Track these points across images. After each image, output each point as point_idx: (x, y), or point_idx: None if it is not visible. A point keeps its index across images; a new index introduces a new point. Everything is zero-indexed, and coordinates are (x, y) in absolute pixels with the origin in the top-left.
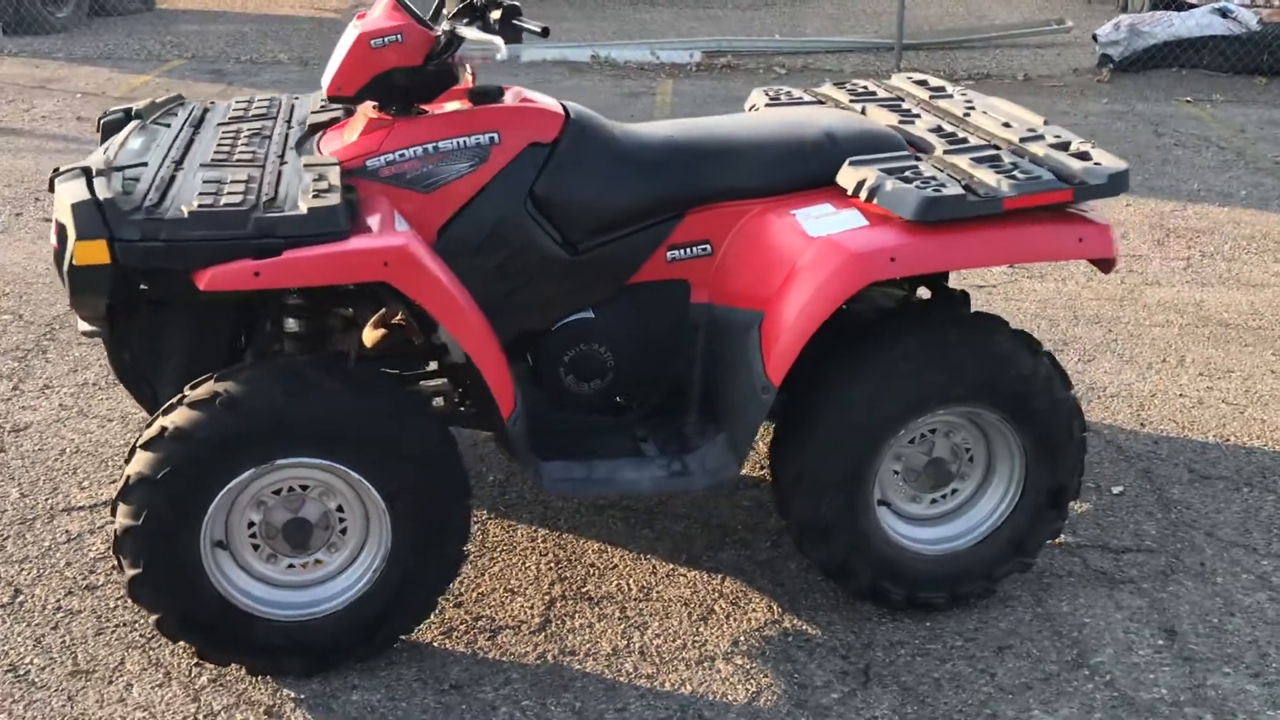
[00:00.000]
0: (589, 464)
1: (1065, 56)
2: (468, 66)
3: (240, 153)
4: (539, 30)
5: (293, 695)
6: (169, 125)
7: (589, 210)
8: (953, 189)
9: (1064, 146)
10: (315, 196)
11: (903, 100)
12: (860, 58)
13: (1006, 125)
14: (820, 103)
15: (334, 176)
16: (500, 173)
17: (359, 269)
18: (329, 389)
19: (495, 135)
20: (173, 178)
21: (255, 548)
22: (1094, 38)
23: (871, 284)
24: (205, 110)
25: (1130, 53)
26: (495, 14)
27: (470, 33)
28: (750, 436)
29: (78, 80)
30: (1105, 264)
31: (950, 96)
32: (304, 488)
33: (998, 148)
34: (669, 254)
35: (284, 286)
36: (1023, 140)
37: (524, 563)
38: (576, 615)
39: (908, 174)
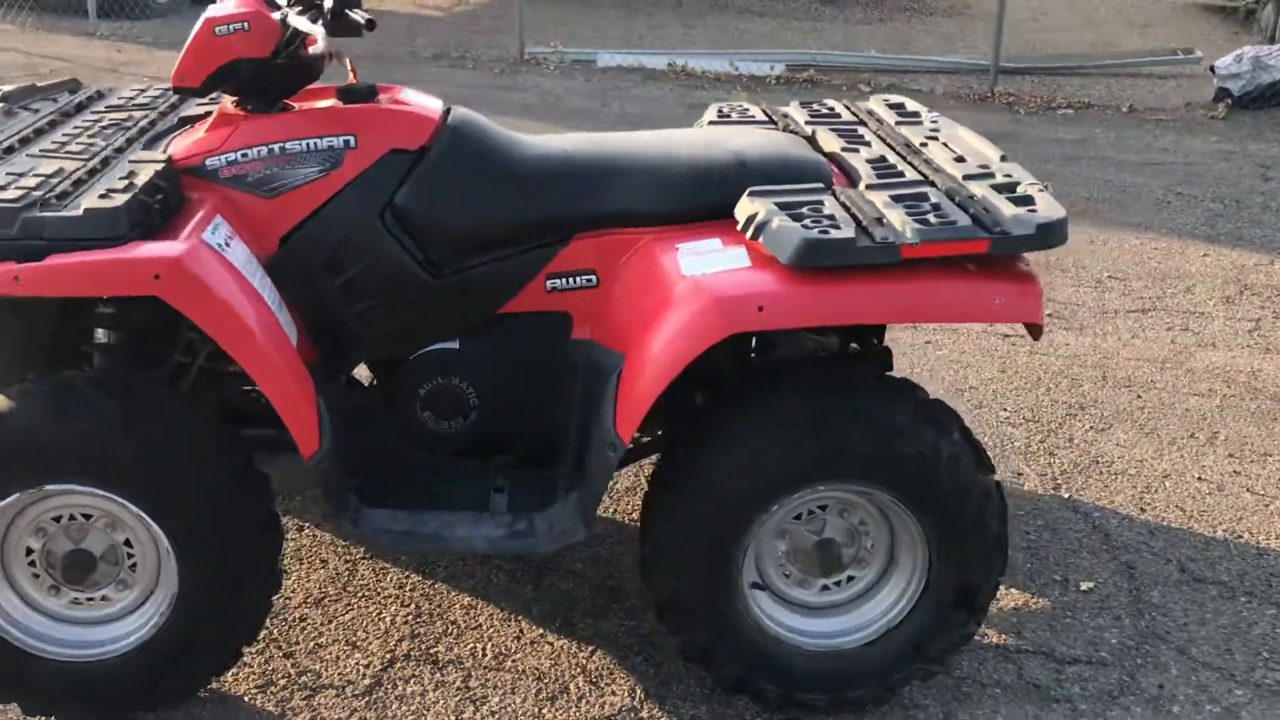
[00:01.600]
0: (419, 515)
1: (1184, 89)
2: (348, 62)
3: (78, 144)
4: (364, 21)
5: None
6: (37, 110)
7: (457, 228)
8: (844, 231)
9: (1009, 188)
10: (101, 197)
11: (862, 124)
12: (953, 79)
13: (959, 159)
14: (771, 123)
15: (144, 175)
16: (354, 180)
17: (125, 281)
18: (101, 410)
19: (351, 138)
20: None
21: (36, 577)
22: (1211, 70)
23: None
24: (94, 96)
25: (1252, 87)
26: (328, 3)
27: (298, 22)
28: (595, 500)
29: (152, 65)
30: (1033, 329)
31: (918, 123)
32: (87, 516)
33: (931, 184)
34: (549, 283)
35: (45, 294)
36: (966, 177)
37: (380, 612)
38: (413, 680)
39: (804, 210)
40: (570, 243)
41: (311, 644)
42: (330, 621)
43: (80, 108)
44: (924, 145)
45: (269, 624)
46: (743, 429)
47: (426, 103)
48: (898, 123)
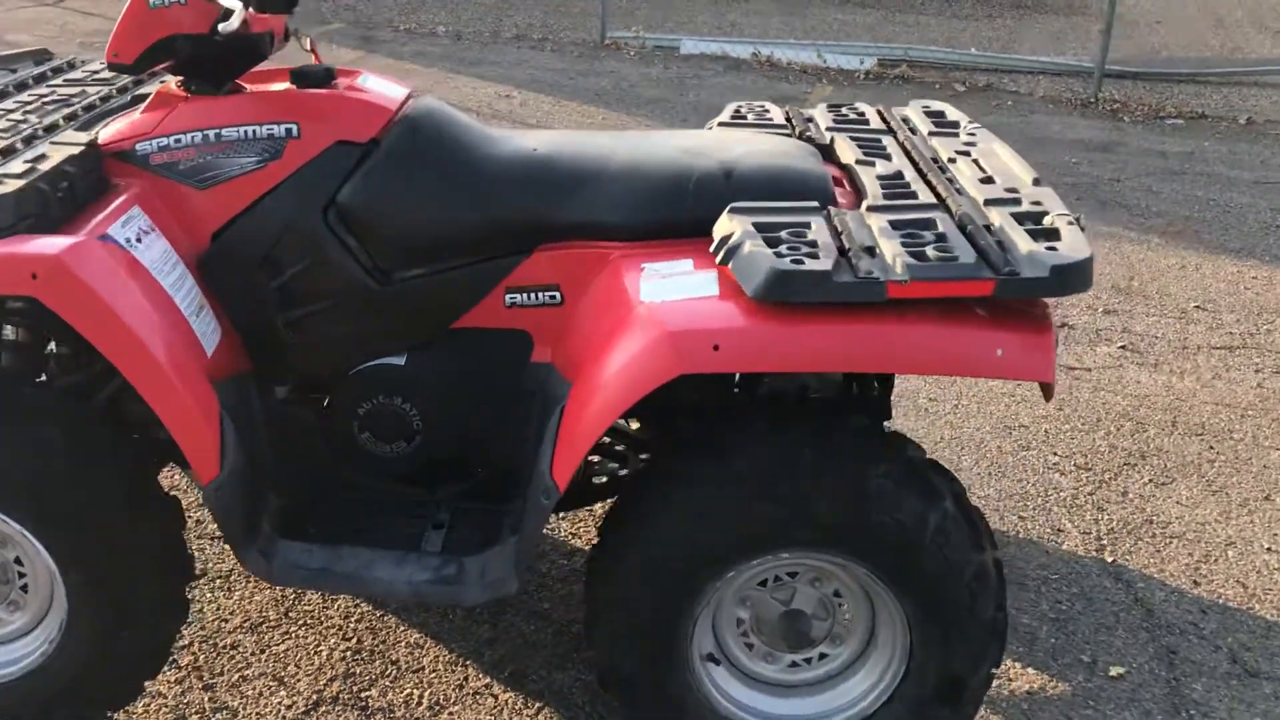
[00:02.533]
0: (337, 551)
1: None
2: (306, 41)
3: (7, 121)
4: None
5: None
6: None
7: (405, 231)
8: (821, 262)
9: (1034, 218)
10: None
11: (890, 134)
12: (1055, 82)
13: (986, 180)
14: (782, 127)
15: (54, 160)
16: (295, 173)
17: (0, 279)
18: None
19: (293, 127)
20: None
21: None
22: None
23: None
24: (61, 68)
25: None
26: None
27: None
28: (530, 549)
29: None
30: (1045, 389)
31: (953, 135)
32: None
33: (944, 209)
34: (509, 297)
35: None
36: (989, 202)
37: (318, 645)
38: None
39: (783, 234)
40: (533, 254)
41: (237, 675)
42: (263, 652)
43: (39, 79)
44: (952, 161)
45: (198, 648)
46: (692, 480)
47: (386, 91)
48: (930, 133)
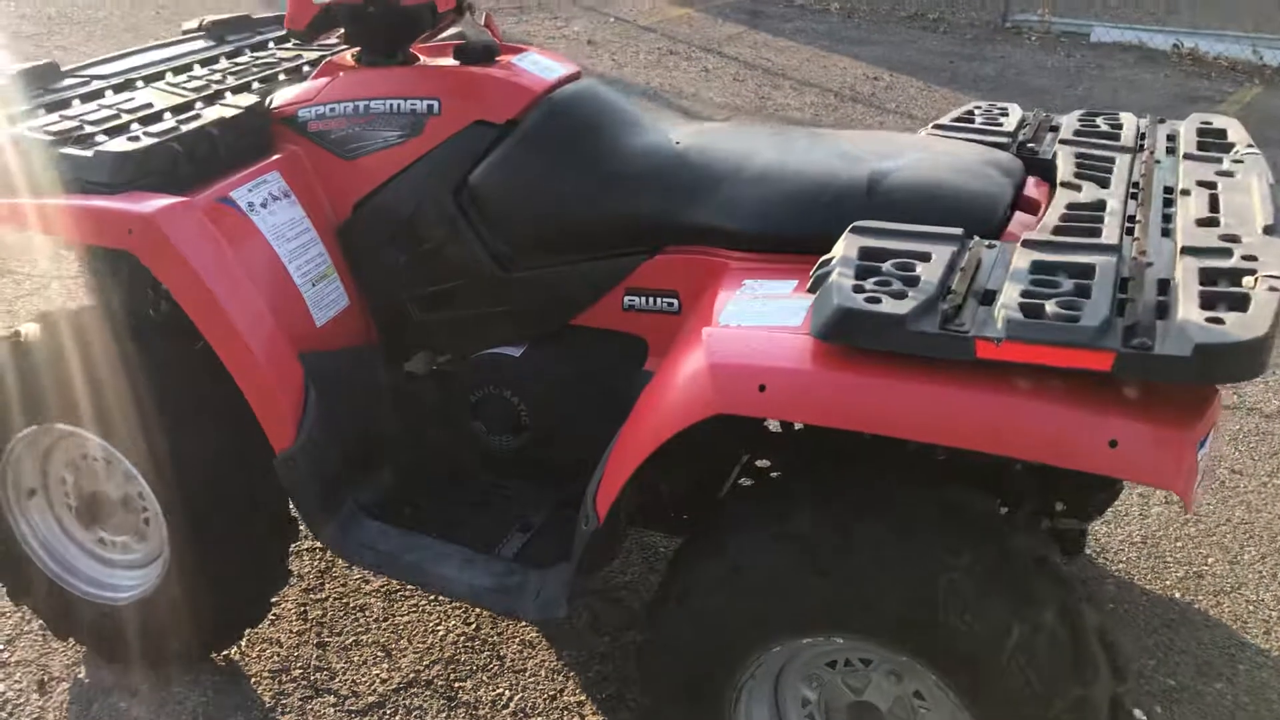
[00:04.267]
0: (410, 539)
1: None
2: (483, 14)
3: (196, 82)
4: None
5: None
6: (230, 41)
7: (531, 219)
8: (904, 304)
9: (1232, 276)
10: (129, 139)
11: (1133, 151)
12: None
13: (1208, 222)
14: (1006, 134)
15: (204, 119)
16: (432, 150)
17: (102, 231)
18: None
19: (435, 103)
20: (100, 94)
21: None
22: None
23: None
24: (279, 38)
25: None
26: None
27: None
28: (572, 575)
29: (621, 5)
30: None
31: (1214, 160)
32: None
33: (1117, 252)
34: (627, 299)
35: (44, 233)
36: (1186, 250)
37: (437, 624)
38: (416, 713)
39: (888, 265)
40: (655, 256)
41: (352, 639)
42: (386, 620)
43: (257, 47)
44: (1186, 192)
45: (330, 605)
46: (739, 535)
47: (540, 71)
48: (1188, 155)
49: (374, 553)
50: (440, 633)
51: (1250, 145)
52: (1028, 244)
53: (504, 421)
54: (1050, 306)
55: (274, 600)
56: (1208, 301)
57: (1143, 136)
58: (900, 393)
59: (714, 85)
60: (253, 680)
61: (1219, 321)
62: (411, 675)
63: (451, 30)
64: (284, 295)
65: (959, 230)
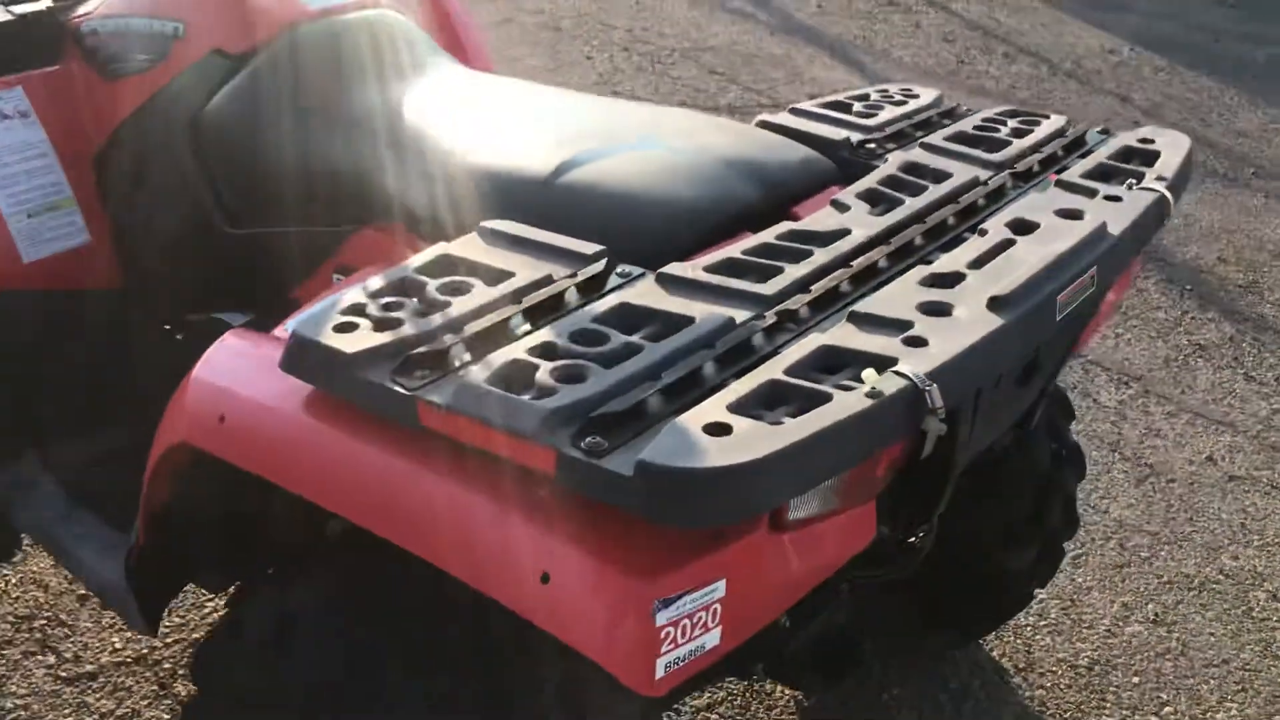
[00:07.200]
0: (76, 512)
1: None
2: None
3: None
4: None
5: None
6: None
7: (249, 171)
8: (370, 340)
9: (859, 364)
10: None
11: (989, 168)
12: None
13: (940, 281)
14: (857, 130)
15: None
16: (174, 79)
17: None
18: None
19: (179, 26)
20: None
21: None
22: None
23: None
24: None
25: None
26: None
27: None
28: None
29: None
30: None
31: (1089, 193)
32: None
33: (752, 308)
34: (336, 279)
35: None
36: (854, 318)
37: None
38: None
39: (437, 284)
40: (362, 231)
41: None
42: None
43: None
44: (983, 232)
45: None
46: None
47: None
48: (1060, 181)
49: (31, 515)
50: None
51: (1160, 177)
52: (661, 278)
53: None
54: (542, 370)
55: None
56: (775, 397)
57: (1039, 149)
58: (336, 455)
59: (914, 43)
60: None
61: (721, 432)
62: (144, 652)
63: None
64: None
65: (594, 249)
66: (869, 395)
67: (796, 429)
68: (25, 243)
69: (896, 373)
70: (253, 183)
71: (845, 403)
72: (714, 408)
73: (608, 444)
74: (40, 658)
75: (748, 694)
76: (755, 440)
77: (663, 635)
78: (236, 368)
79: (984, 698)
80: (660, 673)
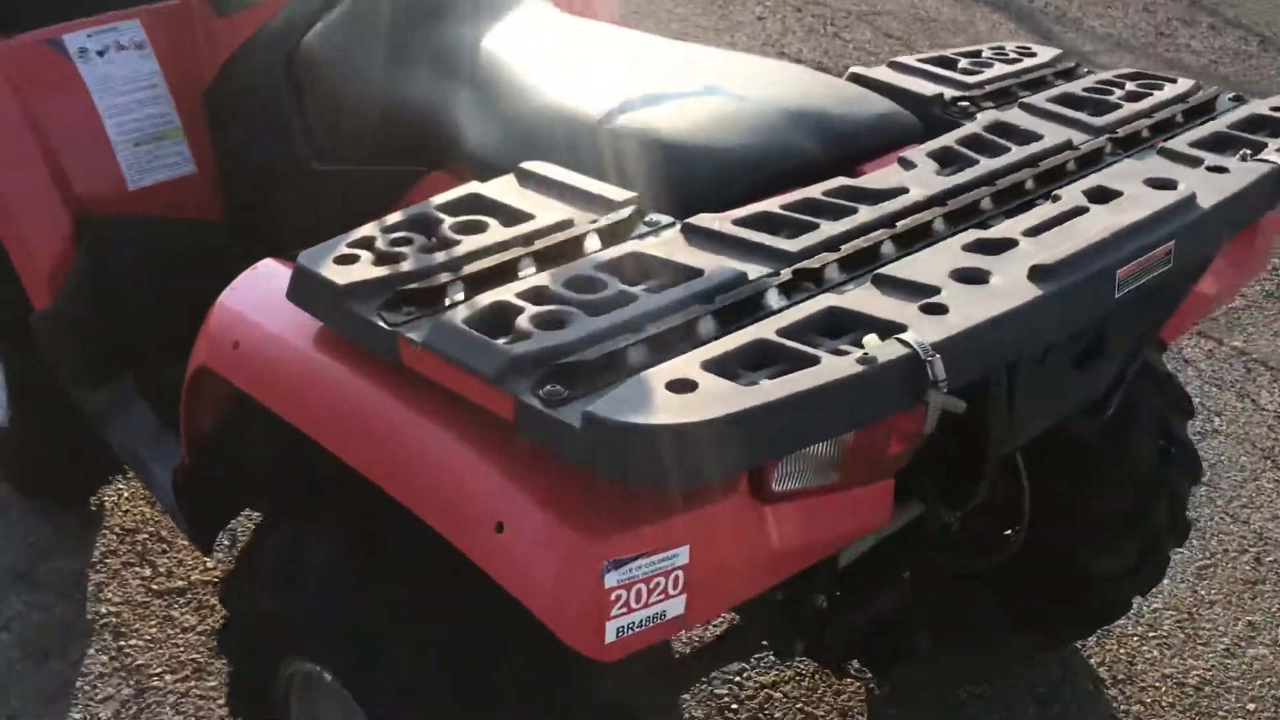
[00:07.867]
0: (161, 434)
1: None
2: None
3: None
4: None
5: None
6: None
7: (336, 105)
8: (367, 271)
9: (862, 329)
10: None
11: (1087, 131)
12: None
13: (986, 247)
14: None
15: None
16: (279, 13)
17: None
18: None
19: None
20: None
21: None
22: None
23: None
24: None
25: None
26: None
27: None
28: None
29: None
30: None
31: (1194, 162)
32: None
33: (769, 263)
34: None
35: None
36: (877, 280)
37: None
38: None
39: (452, 222)
40: (431, 175)
41: None
42: None
43: None
44: (1056, 198)
45: None
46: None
47: None
48: (1162, 149)
49: (122, 433)
50: None
51: None
52: (686, 229)
53: None
54: (524, 315)
55: None
56: (761, 357)
57: (1152, 113)
58: (328, 388)
59: (1110, 12)
60: (104, 531)
61: (685, 389)
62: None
63: None
64: (88, 151)
65: (625, 195)
66: (860, 361)
67: (766, 392)
68: (131, 170)
69: (900, 340)
70: (338, 118)
71: (832, 368)
72: (687, 364)
73: (568, 393)
74: (137, 569)
75: (816, 675)
76: (715, 400)
77: (613, 597)
78: (257, 295)
79: (1073, 706)
80: (611, 636)
